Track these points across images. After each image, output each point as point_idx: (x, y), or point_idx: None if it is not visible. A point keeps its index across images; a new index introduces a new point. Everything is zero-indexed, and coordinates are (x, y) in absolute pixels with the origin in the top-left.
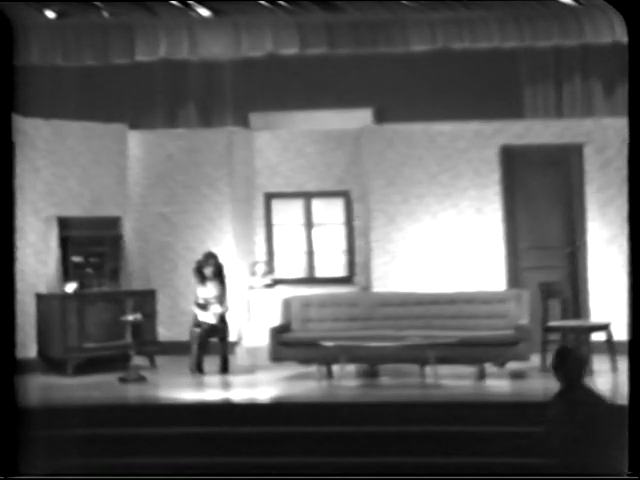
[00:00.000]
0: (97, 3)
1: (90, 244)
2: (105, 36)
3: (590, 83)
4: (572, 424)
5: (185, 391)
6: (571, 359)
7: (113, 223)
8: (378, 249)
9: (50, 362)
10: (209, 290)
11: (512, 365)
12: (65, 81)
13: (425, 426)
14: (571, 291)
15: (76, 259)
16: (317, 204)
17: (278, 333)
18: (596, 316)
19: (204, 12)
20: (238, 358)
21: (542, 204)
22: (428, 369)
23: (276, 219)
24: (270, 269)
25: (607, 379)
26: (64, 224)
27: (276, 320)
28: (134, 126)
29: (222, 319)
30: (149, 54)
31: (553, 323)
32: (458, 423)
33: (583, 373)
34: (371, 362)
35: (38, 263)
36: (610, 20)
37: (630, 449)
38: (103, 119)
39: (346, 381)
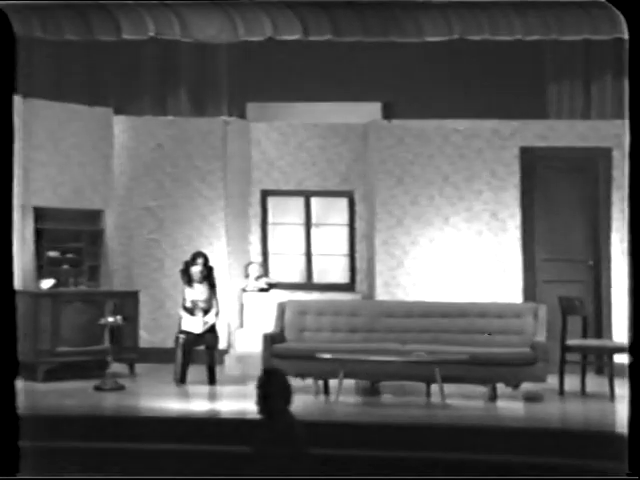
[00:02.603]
0: None
1: (68, 238)
2: (88, 9)
3: (622, 81)
4: (286, 446)
5: (167, 402)
6: (276, 384)
7: (94, 216)
8: (383, 254)
9: (19, 366)
10: (197, 293)
11: (527, 386)
12: (47, 58)
13: (429, 451)
14: (593, 307)
15: (52, 254)
16: (317, 203)
17: (271, 343)
18: (620, 336)
19: None
20: (227, 367)
21: (564, 211)
22: (434, 388)
23: (273, 218)
24: (264, 271)
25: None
26: (41, 215)
27: (270, 327)
28: (120, 111)
29: (211, 327)
30: (137, 32)
31: (573, 342)
32: (466, 449)
33: (289, 397)
34: (372, 378)
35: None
36: None
37: (630, 449)
38: (87, 101)
39: (344, 398)
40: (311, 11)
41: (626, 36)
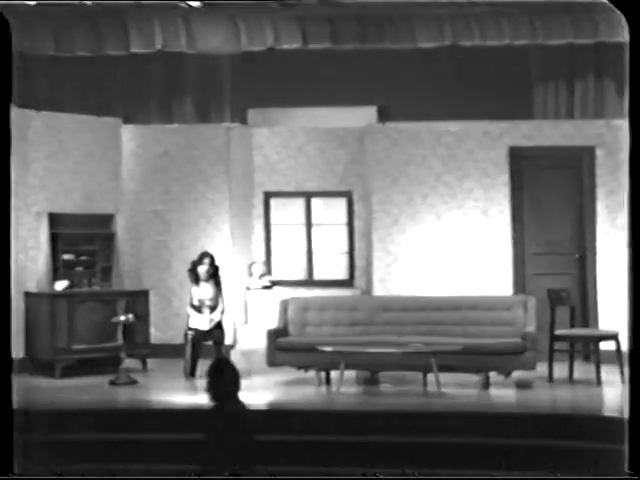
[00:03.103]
0: None
1: (81, 242)
2: (99, 26)
3: (603, 83)
4: (235, 432)
5: (177, 395)
6: (227, 373)
7: (106, 220)
8: (380, 251)
9: (38, 363)
10: (204, 291)
11: (518, 374)
12: (57, 72)
13: (426, 436)
14: (580, 298)
15: (66, 257)
16: (317, 203)
17: (275, 337)
18: (605, 325)
19: (202, 4)
20: (233, 362)
21: (551, 207)
22: (430, 377)
23: (275, 218)
24: (268, 270)
25: (616, 390)
26: (55, 220)
27: (273, 322)
28: (128, 120)
29: (217, 324)
30: (144, 46)
31: (561, 331)
32: (461, 434)
33: (238, 386)
34: (371, 369)
35: (27, 260)
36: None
37: (630, 449)
38: (96, 112)
39: (345, 388)
40: (310, 21)
41: (608, 39)
